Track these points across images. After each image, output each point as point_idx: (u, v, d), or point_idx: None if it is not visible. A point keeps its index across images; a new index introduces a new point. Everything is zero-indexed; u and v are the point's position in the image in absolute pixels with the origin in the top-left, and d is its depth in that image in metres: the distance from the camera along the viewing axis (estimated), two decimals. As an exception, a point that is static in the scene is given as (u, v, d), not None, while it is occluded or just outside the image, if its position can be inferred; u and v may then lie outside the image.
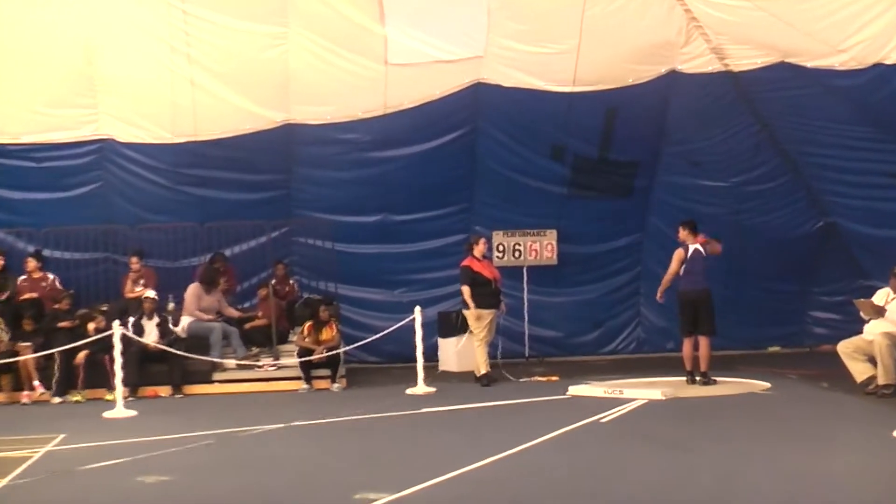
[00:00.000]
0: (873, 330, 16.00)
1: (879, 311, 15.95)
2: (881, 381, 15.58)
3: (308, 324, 19.27)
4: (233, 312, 20.29)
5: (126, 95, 20.18)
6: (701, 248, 17.81)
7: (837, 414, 14.70)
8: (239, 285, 21.80)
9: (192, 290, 19.93)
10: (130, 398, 17.81)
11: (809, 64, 18.08)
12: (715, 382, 17.70)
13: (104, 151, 20.83)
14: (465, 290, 18.74)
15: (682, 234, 17.97)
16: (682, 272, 17.91)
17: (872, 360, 15.87)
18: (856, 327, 16.70)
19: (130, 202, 21.34)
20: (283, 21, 19.43)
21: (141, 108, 20.38)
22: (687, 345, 17.79)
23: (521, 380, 19.28)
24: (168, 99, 20.01)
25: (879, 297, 16.31)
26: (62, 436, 14.10)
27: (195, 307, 19.75)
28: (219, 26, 19.41)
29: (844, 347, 16.35)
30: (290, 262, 21.96)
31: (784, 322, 23.30)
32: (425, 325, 19.27)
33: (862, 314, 16.34)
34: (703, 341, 17.69)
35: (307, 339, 19.07)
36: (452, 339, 21.01)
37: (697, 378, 17.52)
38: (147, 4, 19.31)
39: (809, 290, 23.15)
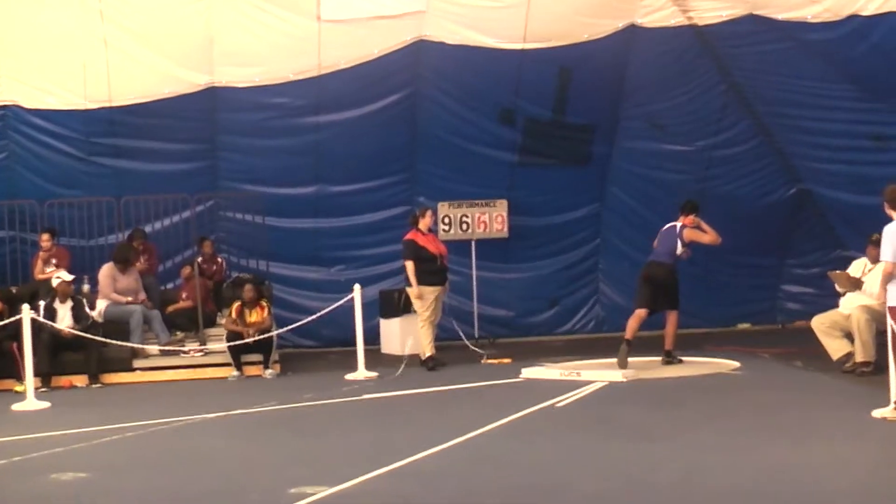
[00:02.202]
0: (850, 304, 16.11)
1: (856, 284, 16.05)
2: (859, 357, 15.71)
3: (236, 305, 19.22)
4: (142, 298, 19.96)
5: (32, 57, 19.97)
6: (677, 226, 17.91)
7: (812, 395, 14.81)
8: (161, 264, 21.69)
9: (106, 271, 19.75)
10: (43, 389, 17.71)
11: (780, 16, 18.16)
12: (681, 361, 17.84)
13: (8, 119, 20.67)
14: (409, 265, 18.71)
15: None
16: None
17: (849, 336, 15.99)
18: (831, 301, 16.84)
19: (39, 175, 21.16)
20: (204, -27, 19.35)
21: (49, 70, 20.19)
22: (634, 318, 17.84)
23: (480, 358, 19.41)
24: (79, 61, 19.84)
25: (856, 269, 16.42)
26: (-33, 431, 14.02)
27: (110, 289, 19.60)
28: (134, -21, 19.30)
29: (819, 323, 16.46)
30: (217, 238, 21.88)
31: (754, 297, 23.51)
32: (365, 306, 19.29)
33: (837, 287, 16.45)
34: (670, 317, 17.84)
35: (236, 322, 19.02)
36: (395, 320, 20.99)
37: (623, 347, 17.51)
38: (54, -45, 19.19)
39: (782, 263, 23.35)
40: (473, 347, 20.12)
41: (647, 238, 19.58)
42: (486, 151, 21.78)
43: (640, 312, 17.76)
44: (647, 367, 17.58)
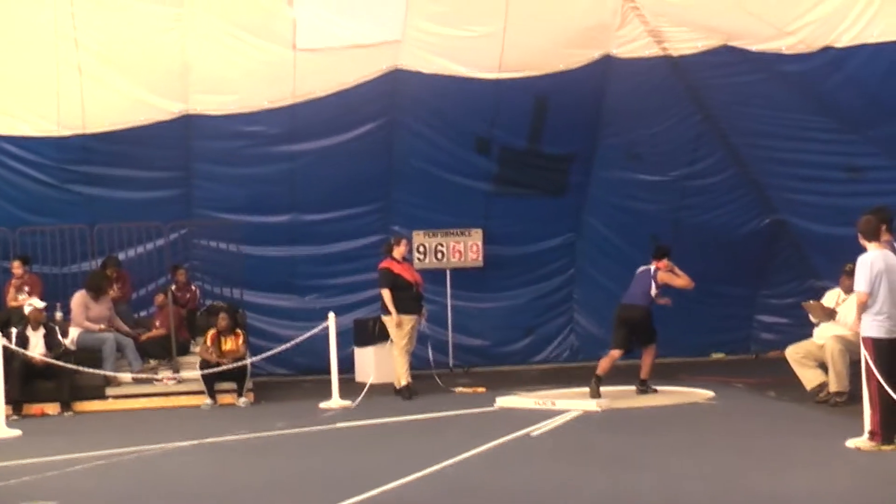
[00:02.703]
0: (824, 334, 16.16)
1: (830, 314, 16.12)
2: (833, 388, 15.74)
3: (211, 332, 19.16)
4: (121, 325, 19.96)
5: (5, 84, 19.86)
6: (651, 269, 17.99)
7: (787, 424, 14.85)
8: (134, 292, 21.61)
9: (78, 299, 19.66)
10: (14, 417, 17.60)
11: (754, 48, 18.24)
12: (655, 391, 17.88)
13: (-20, 146, 20.59)
14: (386, 293, 18.70)
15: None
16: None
17: (823, 367, 16.03)
18: (805, 331, 16.91)
19: (11, 202, 21.02)
20: (179, 1, 19.30)
21: (22, 97, 20.10)
22: (608, 358, 17.84)
23: (448, 388, 19.37)
24: (53, 88, 19.74)
25: (830, 299, 16.49)
26: (-63, 459, 13.92)
27: (83, 317, 19.50)
28: (108, 7, 19.22)
29: (794, 353, 16.50)
30: (191, 266, 21.80)
31: (729, 327, 23.53)
32: (340, 334, 19.27)
33: (811, 317, 16.52)
34: (647, 349, 17.93)
35: (210, 351, 18.95)
36: (370, 349, 20.94)
37: (593, 384, 17.52)
38: (29, -19, 19.15)
39: (756, 293, 23.40)
40: (437, 379, 20.05)
41: (622, 268, 19.68)
42: (462, 181, 21.78)
43: (615, 353, 17.84)
44: (622, 396, 17.60)
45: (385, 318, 19.00)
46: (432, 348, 21.20)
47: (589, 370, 17.77)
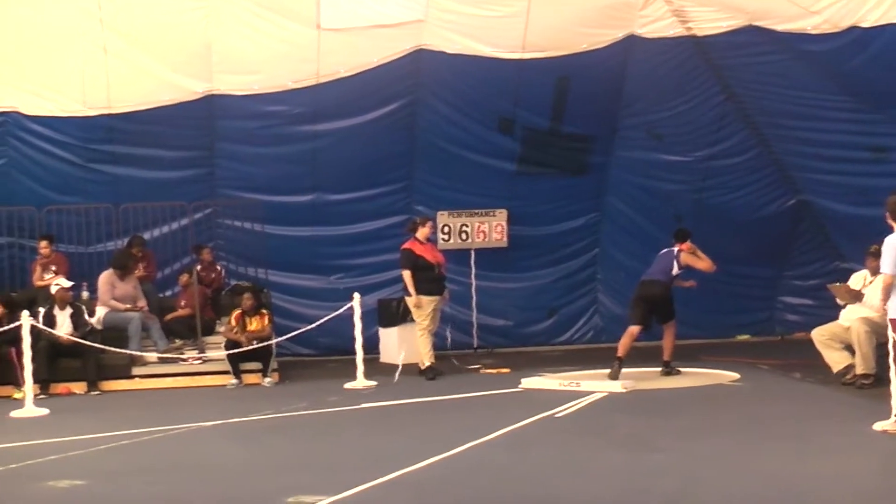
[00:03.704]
0: (850, 316, 16.05)
1: (856, 296, 15.98)
2: (859, 370, 15.64)
3: (236, 312, 19.16)
4: (143, 305, 19.91)
5: (31, 64, 19.91)
6: (675, 250, 17.96)
7: (812, 407, 14.77)
8: (159, 272, 21.64)
9: (105, 278, 19.70)
10: (41, 395, 17.66)
11: (779, 27, 18.14)
12: (679, 372, 17.83)
13: (7, 125, 20.61)
14: (407, 274, 18.68)
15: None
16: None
17: (849, 349, 15.93)
18: (831, 313, 16.79)
19: (37, 181, 21.09)
20: (204, -20, 19.32)
21: (48, 77, 20.15)
22: (628, 335, 17.77)
23: (470, 367, 19.35)
24: (78, 67, 19.80)
25: (856, 281, 16.36)
26: (-36, 438, 13.96)
27: (109, 296, 19.54)
28: (134, -13, 19.26)
29: (819, 335, 16.41)
30: (215, 246, 21.81)
31: (754, 308, 23.46)
32: (364, 314, 19.24)
33: (837, 300, 16.40)
34: (667, 329, 17.87)
35: (235, 330, 18.95)
36: (394, 329, 20.91)
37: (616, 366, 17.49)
38: (55, -38, 19.14)
39: (781, 274, 23.30)
40: (458, 364, 20.02)
41: (645, 248, 19.62)
42: (485, 160, 21.73)
43: (633, 330, 17.74)
44: (646, 377, 17.55)
45: (407, 299, 18.99)
46: (456, 329, 21.22)
47: (612, 351, 17.70)
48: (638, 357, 18.15)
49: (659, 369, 18.03)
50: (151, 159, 21.13)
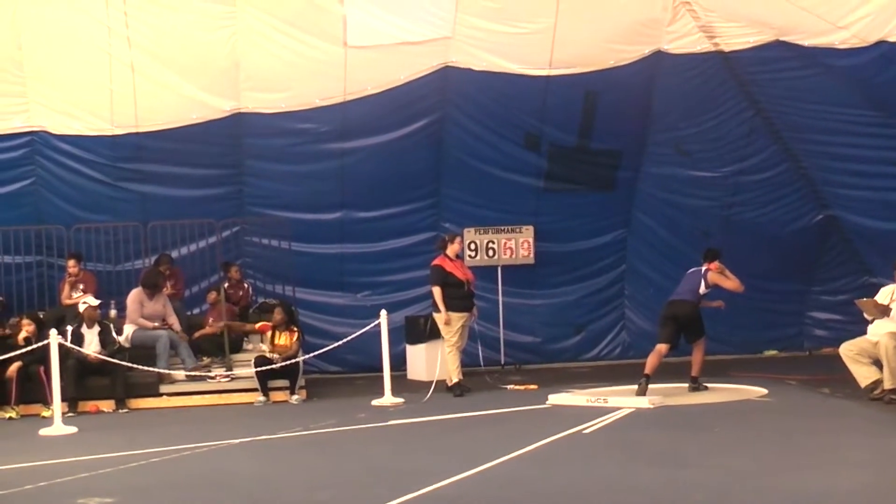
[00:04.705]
0: (878, 331, 15.99)
1: (884, 311, 15.96)
2: (888, 385, 15.58)
3: (264, 323, 19.34)
4: (174, 323, 20.02)
5: (59, 83, 20.10)
6: (702, 269, 17.91)
7: (841, 422, 14.73)
8: (187, 290, 21.72)
9: (134, 296, 19.81)
10: (70, 414, 17.74)
11: (807, 42, 18.17)
12: (706, 388, 17.81)
13: (36, 145, 20.74)
14: (437, 291, 18.66)
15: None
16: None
17: (878, 363, 15.86)
18: (859, 328, 16.75)
19: (66, 200, 21.23)
20: (231, -1, 19.42)
21: (76, 96, 20.31)
22: (655, 354, 17.69)
23: (499, 386, 19.36)
24: (106, 86, 19.98)
25: (884, 296, 16.32)
26: (-6, 456, 14.02)
27: (138, 314, 19.65)
28: (161, 5, 19.42)
29: (847, 350, 16.34)
30: (243, 263, 21.90)
31: (781, 324, 23.43)
32: (392, 331, 19.26)
33: (865, 315, 16.38)
34: (697, 345, 17.85)
35: (262, 339, 19.23)
36: (422, 346, 20.94)
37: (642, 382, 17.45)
38: (81, -19, 19.27)
39: (808, 290, 23.29)
40: (490, 380, 20.02)
41: (672, 264, 19.63)
42: (512, 177, 21.80)
43: (662, 348, 17.67)
44: (674, 393, 17.53)
45: (435, 316, 19.01)
46: (484, 345, 21.24)
47: (640, 367, 17.67)
48: (665, 373, 18.10)
49: (686, 385, 18.00)
50: (179, 177, 21.24)
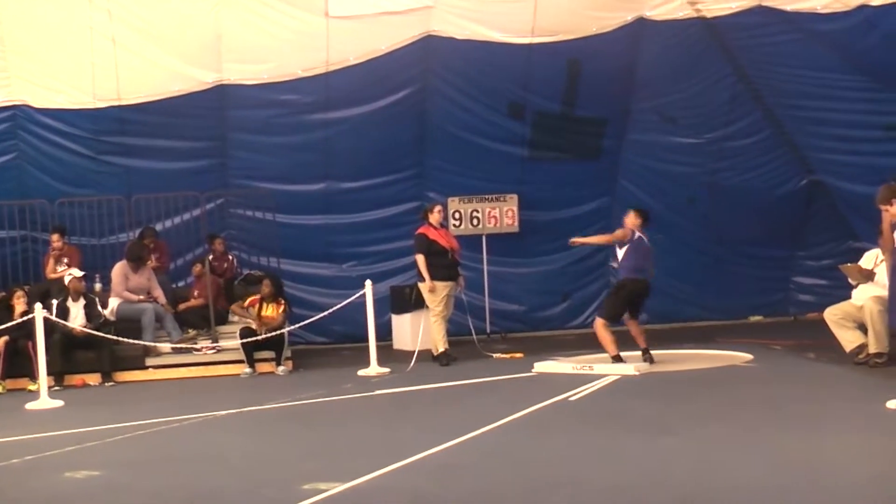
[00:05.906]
0: (862, 295, 16.04)
1: (868, 275, 16.00)
2: (872, 349, 15.65)
3: (251, 298, 19.28)
4: (159, 296, 20.03)
5: (41, 56, 20.02)
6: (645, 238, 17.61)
7: (826, 386, 14.77)
8: (172, 262, 21.72)
9: (118, 269, 19.78)
10: (56, 387, 17.77)
11: (789, 7, 18.18)
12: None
13: (17, 119, 20.70)
14: (420, 258, 18.67)
15: (632, 220, 17.62)
16: (627, 259, 17.52)
17: (862, 328, 15.93)
18: (844, 293, 16.79)
19: (49, 174, 21.19)
20: (212, -30, 19.35)
21: (57, 70, 20.23)
22: (633, 325, 17.60)
23: (485, 354, 19.41)
24: (87, 60, 19.90)
25: (868, 260, 16.35)
26: (-20, 430, 14.03)
27: (123, 287, 19.63)
28: (141, -24, 19.32)
29: (832, 314, 16.39)
30: (228, 235, 21.90)
31: (767, 289, 23.49)
32: (377, 301, 19.31)
33: (850, 279, 16.43)
34: (633, 321, 17.60)
35: (245, 309, 19.16)
36: (407, 316, 20.96)
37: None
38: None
39: (793, 255, 23.34)
40: (480, 348, 19.99)
41: (658, 232, 19.56)
42: (496, 146, 21.77)
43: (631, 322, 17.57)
44: (660, 360, 17.53)
45: (420, 285, 19.02)
46: (469, 314, 21.25)
47: (625, 335, 17.67)
48: (653, 340, 18.09)
49: (674, 352, 17.98)
50: (163, 150, 21.21)
